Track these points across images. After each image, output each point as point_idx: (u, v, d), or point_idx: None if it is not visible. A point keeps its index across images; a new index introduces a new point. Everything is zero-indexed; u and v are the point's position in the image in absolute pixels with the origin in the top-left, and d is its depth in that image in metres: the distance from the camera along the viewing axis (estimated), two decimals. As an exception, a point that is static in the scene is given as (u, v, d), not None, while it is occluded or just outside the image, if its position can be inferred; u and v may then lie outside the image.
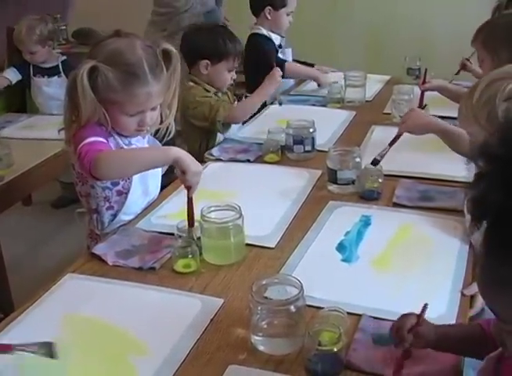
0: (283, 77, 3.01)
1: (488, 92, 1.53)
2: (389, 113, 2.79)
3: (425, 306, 1.24)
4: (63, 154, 1.83)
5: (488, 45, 2.31)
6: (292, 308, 1.29)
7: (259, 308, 1.31)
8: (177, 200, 2.00)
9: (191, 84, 2.64)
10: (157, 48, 1.80)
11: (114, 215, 1.94)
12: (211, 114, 2.53)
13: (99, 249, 1.72)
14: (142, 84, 1.73)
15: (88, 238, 2.02)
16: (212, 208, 1.68)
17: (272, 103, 3.05)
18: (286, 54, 3.52)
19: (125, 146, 1.88)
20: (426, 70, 2.80)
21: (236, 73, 2.74)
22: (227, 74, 2.65)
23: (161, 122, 1.93)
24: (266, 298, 1.34)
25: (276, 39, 3.44)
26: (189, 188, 1.74)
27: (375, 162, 2.03)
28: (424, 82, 2.75)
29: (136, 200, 1.95)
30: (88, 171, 1.66)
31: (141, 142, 1.95)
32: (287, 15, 3.40)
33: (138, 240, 1.78)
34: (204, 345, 1.35)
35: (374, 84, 3.31)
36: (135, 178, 1.88)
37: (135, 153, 1.81)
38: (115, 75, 1.70)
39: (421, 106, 2.64)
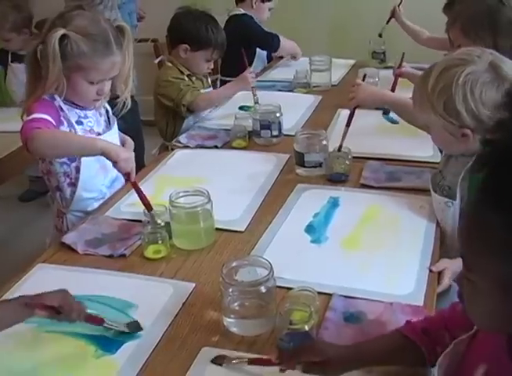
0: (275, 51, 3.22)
1: (443, 80, 1.54)
2: (354, 97, 2.81)
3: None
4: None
5: (470, 31, 2.30)
6: (262, 289, 1.30)
7: (230, 290, 1.32)
8: (145, 188, 1.98)
9: (168, 64, 2.70)
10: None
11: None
12: (178, 97, 2.57)
13: (68, 238, 1.72)
14: (109, 53, 1.81)
15: (56, 217, 2.03)
16: (181, 194, 1.69)
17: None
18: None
19: (82, 119, 1.91)
20: (403, 54, 2.80)
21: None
22: (204, 63, 2.67)
23: (118, 97, 1.99)
24: (237, 280, 1.35)
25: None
26: (127, 174, 1.78)
27: (339, 148, 2.03)
28: (400, 67, 2.76)
29: (95, 176, 1.95)
30: (24, 145, 1.73)
31: (96, 117, 1.96)
32: (269, 9, 3.44)
33: (108, 228, 1.77)
34: (177, 329, 1.35)
35: (339, 68, 3.33)
36: None
37: (67, 138, 1.82)
38: (85, 43, 1.77)
39: (393, 90, 2.65)
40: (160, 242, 1.62)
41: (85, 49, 1.77)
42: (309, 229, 1.73)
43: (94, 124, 1.95)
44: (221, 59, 3.45)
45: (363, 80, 2.24)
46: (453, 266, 1.55)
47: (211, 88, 2.86)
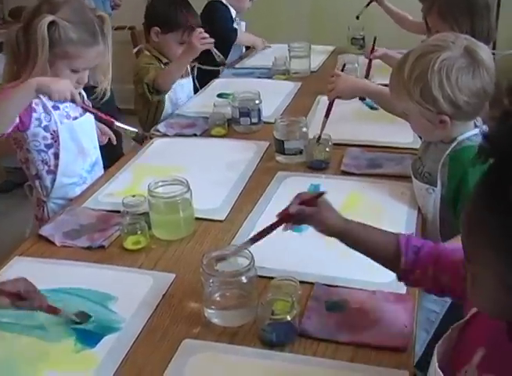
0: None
1: (419, 66, 1.53)
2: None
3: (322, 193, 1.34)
4: (3, 138, 1.80)
5: (447, 15, 2.30)
6: (243, 279, 1.28)
7: (211, 280, 1.30)
8: (123, 178, 1.98)
9: (146, 52, 2.65)
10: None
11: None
12: (142, 76, 2.48)
13: (46, 230, 1.68)
14: (95, 43, 1.81)
15: (36, 207, 2.01)
16: (159, 183, 1.66)
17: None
18: (241, 27, 3.51)
19: (58, 104, 1.88)
20: (375, 38, 2.79)
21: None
22: (176, 47, 2.60)
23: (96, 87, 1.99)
24: (217, 270, 1.33)
25: (232, 11, 3.42)
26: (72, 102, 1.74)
27: (318, 138, 2.01)
28: (373, 51, 2.75)
29: (74, 161, 1.93)
30: None
31: (72, 107, 1.93)
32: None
33: (86, 219, 1.74)
34: (157, 321, 1.33)
35: (319, 55, 3.32)
36: (65, 136, 1.88)
37: (5, 97, 1.70)
38: (73, 31, 1.76)
39: (368, 75, 2.65)
40: (139, 233, 1.60)
41: (74, 37, 1.77)
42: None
43: (70, 110, 1.93)
44: None
45: (342, 70, 2.22)
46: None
47: (190, 77, 2.82)
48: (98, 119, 1.89)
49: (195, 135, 2.32)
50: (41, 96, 1.82)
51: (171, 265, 1.53)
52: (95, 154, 2.05)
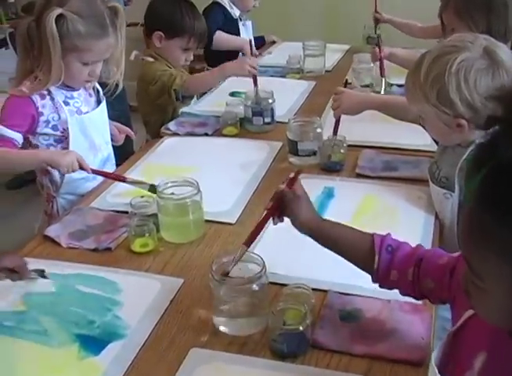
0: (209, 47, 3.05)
1: (436, 68, 1.47)
2: (350, 83, 2.73)
3: (298, 172, 1.38)
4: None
5: (463, 12, 2.25)
6: (254, 286, 1.23)
7: (220, 288, 1.25)
8: (133, 177, 1.92)
9: (150, 59, 2.48)
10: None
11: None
12: (169, 83, 2.35)
13: (52, 231, 1.64)
14: (104, 35, 1.78)
15: (45, 202, 1.97)
16: (169, 184, 1.61)
17: None
18: (247, 27, 3.44)
19: (68, 100, 1.88)
20: (378, 37, 2.73)
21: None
22: (180, 53, 2.48)
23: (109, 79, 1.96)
24: (227, 276, 1.28)
25: (236, 11, 3.35)
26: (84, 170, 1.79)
27: (328, 157, 1.95)
28: (381, 51, 2.69)
29: (84, 156, 1.85)
30: None
31: (85, 97, 1.93)
32: None
33: (93, 219, 1.70)
34: (165, 328, 1.29)
35: (333, 53, 3.25)
36: (75, 131, 1.85)
37: (5, 154, 1.78)
38: (82, 24, 1.73)
39: (383, 75, 2.59)
40: (147, 235, 1.55)
41: (82, 30, 1.74)
42: (301, 220, 1.66)
43: (81, 104, 1.91)
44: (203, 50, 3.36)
45: (345, 86, 2.15)
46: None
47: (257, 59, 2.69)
48: (110, 178, 1.86)
49: (206, 134, 2.27)
50: (52, 90, 1.81)
51: (179, 270, 1.48)
52: (107, 150, 2.01)
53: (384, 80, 2.57)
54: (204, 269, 1.45)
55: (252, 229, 1.34)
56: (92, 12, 1.76)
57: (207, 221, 1.65)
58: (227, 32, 3.29)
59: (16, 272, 1.36)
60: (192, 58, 2.56)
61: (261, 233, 1.34)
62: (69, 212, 1.75)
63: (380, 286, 1.25)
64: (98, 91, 1.99)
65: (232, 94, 2.65)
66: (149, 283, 1.43)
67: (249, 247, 1.28)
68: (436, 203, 1.69)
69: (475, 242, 0.81)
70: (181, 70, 2.57)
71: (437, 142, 1.81)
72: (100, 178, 1.92)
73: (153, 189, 1.72)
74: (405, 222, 1.65)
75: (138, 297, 1.38)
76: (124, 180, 1.81)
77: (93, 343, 1.24)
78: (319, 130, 1.97)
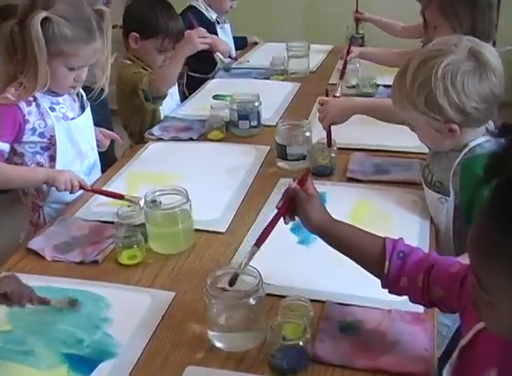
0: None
1: (422, 74, 1.43)
2: (335, 84, 2.69)
3: (307, 171, 1.35)
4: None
5: (448, 11, 2.22)
6: (251, 300, 1.18)
7: (215, 302, 1.19)
8: (116, 186, 1.86)
9: (128, 62, 2.41)
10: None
11: None
12: (138, 83, 2.26)
13: (35, 243, 1.58)
14: (91, 40, 1.72)
15: (31, 212, 1.91)
16: (157, 193, 1.56)
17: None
18: (225, 30, 3.37)
19: (54, 105, 1.80)
20: (350, 39, 2.70)
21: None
22: (156, 54, 2.39)
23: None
24: (222, 289, 1.22)
25: (213, 14, 3.29)
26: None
27: (318, 162, 1.91)
28: (349, 52, 2.66)
29: (71, 163, 1.84)
30: None
31: (70, 103, 1.87)
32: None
33: (78, 230, 1.64)
34: (158, 345, 1.23)
35: (317, 54, 3.20)
36: (62, 138, 1.79)
37: (6, 171, 1.74)
38: (68, 28, 1.66)
39: (342, 77, 2.54)
40: (135, 246, 1.49)
41: (68, 34, 1.67)
42: (295, 228, 1.60)
43: (67, 110, 1.84)
44: None
45: (326, 95, 2.10)
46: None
47: (176, 85, 2.61)
48: (108, 196, 1.78)
49: (191, 139, 2.21)
50: (38, 96, 1.75)
51: (169, 282, 1.42)
52: (93, 156, 1.95)
53: (340, 83, 2.52)
54: (196, 281, 1.41)
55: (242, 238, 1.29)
56: (79, 16, 1.69)
57: (197, 230, 1.60)
58: None
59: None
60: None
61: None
62: (52, 223, 1.69)
63: (390, 292, 1.21)
64: (82, 96, 1.92)
65: (216, 97, 2.59)
66: (139, 297, 1.37)
67: (259, 247, 1.26)
68: (431, 207, 1.65)
69: (483, 254, 0.79)
70: None
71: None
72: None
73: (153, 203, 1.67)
74: (400, 227, 1.60)
75: (129, 312, 1.32)
76: (121, 197, 1.74)
77: (83, 363, 1.18)
78: (308, 134, 1.93)
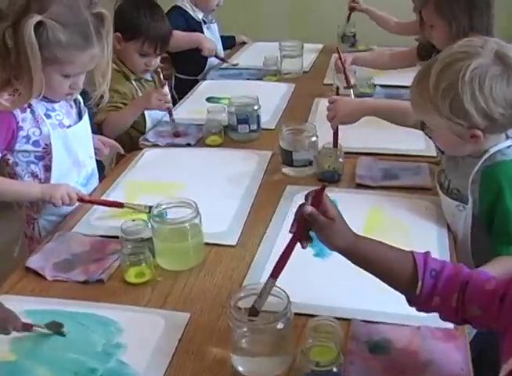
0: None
1: (447, 77, 1.36)
2: (331, 84, 2.62)
3: (323, 187, 1.16)
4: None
5: (445, 9, 2.17)
6: (279, 325, 1.10)
7: (240, 325, 1.11)
8: (114, 198, 1.77)
9: (114, 66, 2.23)
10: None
11: None
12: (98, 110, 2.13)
13: (33, 262, 1.48)
14: (88, 46, 1.61)
15: (25, 224, 1.83)
16: (163, 206, 1.47)
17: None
18: (212, 30, 3.28)
19: (50, 112, 1.72)
20: (337, 48, 2.64)
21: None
22: (137, 58, 2.29)
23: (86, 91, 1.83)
24: (247, 310, 1.14)
25: (199, 13, 3.20)
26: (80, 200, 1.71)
27: (331, 175, 1.84)
28: (341, 60, 2.59)
29: (67, 173, 1.75)
30: None
31: (67, 109, 1.78)
32: None
33: (79, 246, 1.54)
34: (176, 373, 1.15)
35: (308, 53, 3.10)
36: (58, 146, 1.70)
37: (3, 185, 1.68)
38: (63, 33, 1.56)
39: (349, 86, 2.48)
40: (143, 264, 1.40)
41: (63, 40, 1.56)
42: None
43: (63, 117, 1.75)
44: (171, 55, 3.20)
45: (337, 93, 2.03)
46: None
47: (166, 88, 2.42)
48: (107, 206, 1.72)
49: (189, 144, 2.12)
50: (32, 103, 1.66)
51: (182, 302, 1.34)
52: (91, 165, 1.86)
53: (351, 91, 2.45)
54: (211, 300, 1.33)
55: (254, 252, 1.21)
56: (75, 20, 1.58)
57: (205, 243, 1.51)
58: None
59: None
60: (154, 64, 2.34)
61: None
62: (50, 239, 1.59)
63: (418, 310, 1.15)
64: (79, 102, 1.83)
65: (210, 99, 2.51)
66: (152, 319, 1.28)
67: (277, 278, 1.15)
68: (448, 215, 1.59)
69: None
70: (153, 80, 2.41)
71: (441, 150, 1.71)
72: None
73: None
74: (418, 236, 1.54)
75: (142, 337, 1.23)
76: (121, 206, 1.68)
77: (97, 395, 1.10)
78: (314, 138, 1.85)
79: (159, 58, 2.33)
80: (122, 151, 2.03)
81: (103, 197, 1.79)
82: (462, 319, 1.10)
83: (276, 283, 1.15)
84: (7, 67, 1.60)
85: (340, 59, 2.52)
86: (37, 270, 1.45)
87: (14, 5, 1.56)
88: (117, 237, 1.52)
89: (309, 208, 1.13)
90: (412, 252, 1.14)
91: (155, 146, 2.14)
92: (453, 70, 1.35)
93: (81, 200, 1.69)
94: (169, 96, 2.21)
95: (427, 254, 1.14)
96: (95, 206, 1.73)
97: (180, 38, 3.00)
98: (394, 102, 2.00)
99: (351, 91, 2.41)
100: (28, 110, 1.66)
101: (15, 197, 1.72)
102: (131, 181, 1.89)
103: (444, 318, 1.13)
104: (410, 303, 1.14)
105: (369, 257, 1.16)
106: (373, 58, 2.75)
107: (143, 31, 2.25)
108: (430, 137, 1.67)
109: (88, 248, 1.54)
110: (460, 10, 2.16)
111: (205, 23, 3.23)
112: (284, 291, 1.14)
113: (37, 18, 1.52)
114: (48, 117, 1.70)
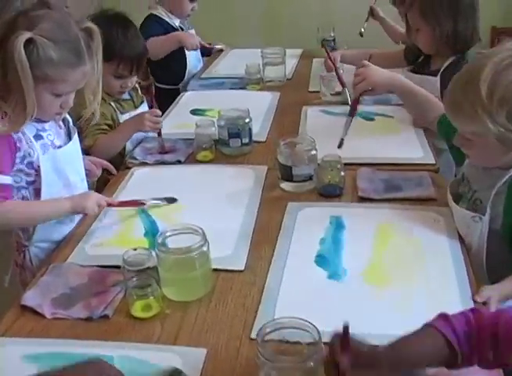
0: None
1: (502, 84, 1.30)
2: (317, 92, 2.56)
3: (345, 328, 1.00)
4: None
5: (429, 14, 2.15)
6: (311, 363, 1.03)
7: (268, 364, 1.04)
8: (108, 223, 1.69)
9: None
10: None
11: None
12: (85, 133, 2.04)
13: (30, 299, 1.38)
14: (80, 64, 1.56)
15: (15, 252, 1.75)
16: (168, 233, 1.38)
17: None
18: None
19: (41, 133, 1.64)
20: (322, 43, 2.59)
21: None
22: (112, 80, 2.15)
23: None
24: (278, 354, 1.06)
25: (175, 20, 3.12)
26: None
27: (341, 143, 1.76)
28: (330, 57, 2.55)
29: (58, 196, 1.66)
30: None
31: (56, 129, 1.70)
32: (191, 1, 3.09)
33: (76, 279, 1.45)
34: (201, 418, 1.07)
35: (288, 59, 3.02)
36: (46, 167, 1.62)
37: (31, 209, 1.63)
38: (54, 50, 1.49)
39: (343, 85, 2.43)
40: (151, 298, 1.32)
41: (54, 57, 1.49)
42: (321, 260, 1.47)
43: (54, 137, 1.67)
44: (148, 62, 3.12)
45: (369, 60, 1.98)
46: (496, 292, 1.34)
47: (145, 106, 2.38)
48: (131, 206, 1.73)
49: (179, 161, 2.03)
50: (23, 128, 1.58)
51: (196, 337, 1.26)
52: (83, 188, 1.77)
53: (346, 90, 2.42)
54: (226, 333, 1.26)
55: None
56: (66, 37, 1.52)
57: (213, 269, 1.43)
58: None
59: None
60: (131, 84, 2.22)
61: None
62: (44, 272, 1.49)
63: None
64: (68, 121, 1.74)
65: (195, 112, 2.42)
66: (166, 358, 1.19)
67: None
68: (461, 226, 1.54)
69: None
70: (131, 99, 2.31)
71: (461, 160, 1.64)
72: (76, 221, 1.71)
73: (172, 201, 1.75)
74: (431, 252, 1.49)
75: (160, 379, 1.15)
76: (143, 205, 1.73)
77: None
78: (313, 152, 1.78)
79: (135, 77, 2.23)
80: (115, 171, 1.94)
81: (97, 220, 1.69)
82: (497, 366, 1.06)
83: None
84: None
85: (330, 58, 2.47)
86: (35, 308, 1.35)
87: None
88: (116, 267, 1.43)
89: (344, 360, 0.98)
90: (438, 329, 1.04)
91: (143, 163, 2.05)
92: (507, 78, 1.31)
93: (109, 205, 1.68)
94: (161, 117, 2.14)
95: (445, 319, 1.05)
96: (88, 232, 1.64)
97: (159, 44, 2.95)
98: (423, 90, 1.96)
99: (346, 90, 2.37)
100: (17, 135, 1.57)
101: (46, 219, 1.64)
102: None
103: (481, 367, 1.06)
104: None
105: (404, 360, 1.04)
106: (359, 56, 2.70)
107: (117, 53, 2.10)
108: (450, 145, 1.62)
109: (86, 280, 1.44)
110: (444, 15, 2.15)
111: (182, 29, 3.16)
112: (313, 325, 1.07)
113: (26, 35, 1.44)
114: (40, 137, 1.62)
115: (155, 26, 3.05)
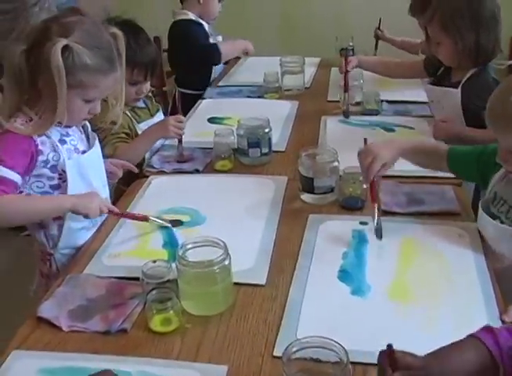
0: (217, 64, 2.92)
1: None
2: (336, 101, 2.53)
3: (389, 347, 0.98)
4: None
5: (450, 27, 2.11)
6: (340, 384, 0.99)
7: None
8: (125, 233, 1.66)
9: None
10: None
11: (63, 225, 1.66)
12: (105, 142, 2.00)
13: (46, 310, 1.35)
14: (112, 70, 1.57)
15: (41, 262, 1.72)
16: (189, 245, 1.35)
17: None
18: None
19: (64, 138, 1.62)
20: (340, 52, 2.57)
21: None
22: (128, 87, 2.04)
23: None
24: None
25: (205, 26, 3.11)
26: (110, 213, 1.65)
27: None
28: (347, 62, 2.52)
29: None
30: None
31: (78, 134, 1.69)
32: (219, 1, 3.08)
33: (94, 290, 1.42)
34: None
35: (306, 68, 3.00)
36: (72, 172, 1.60)
37: (27, 203, 1.57)
38: (90, 58, 1.50)
39: (346, 89, 2.40)
40: (171, 312, 1.29)
41: (89, 64, 1.50)
42: (344, 276, 1.43)
43: (77, 142, 1.66)
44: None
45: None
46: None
47: (161, 115, 2.34)
48: (132, 219, 1.69)
49: (197, 170, 2.01)
50: (48, 132, 1.57)
51: (217, 353, 1.22)
52: (105, 193, 1.75)
53: (346, 95, 2.39)
54: (248, 350, 1.23)
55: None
56: (99, 44, 1.52)
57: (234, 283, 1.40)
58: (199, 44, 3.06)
59: None
60: (145, 90, 2.18)
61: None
62: (61, 283, 1.47)
63: None
64: (87, 127, 1.73)
65: (212, 120, 2.40)
66: (187, 375, 1.17)
67: None
68: (497, 241, 1.49)
69: None
70: (146, 107, 2.29)
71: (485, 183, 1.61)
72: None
73: (177, 224, 1.67)
74: (456, 268, 1.45)
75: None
76: (146, 219, 1.66)
77: None
78: (335, 164, 1.74)
79: (149, 83, 2.20)
80: (136, 170, 1.93)
81: (114, 231, 1.67)
82: None
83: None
84: (19, 92, 1.52)
85: (346, 61, 2.45)
86: (51, 320, 1.33)
87: (27, 28, 1.45)
88: (135, 279, 1.40)
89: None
90: (479, 338, 1.01)
91: (160, 172, 2.02)
92: None
93: (110, 212, 1.63)
94: (185, 123, 2.12)
95: (490, 332, 1.02)
96: (105, 243, 1.61)
97: (229, 52, 3.08)
98: (424, 142, 1.90)
99: (347, 95, 2.34)
100: (44, 134, 1.56)
101: (44, 215, 1.61)
102: (142, 213, 1.76)
103: None
104: None
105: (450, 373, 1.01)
106: (378, 63, 2.68)
107: (130, 59, 2.07)
108: (466, 177, 1.59)
109: (103, 292, 1.42)
110: (466, 28, 2.11)
111: (211, 35, 3.15)
112: (341, 346, 1.03)
113: (63, 42, 1.45)
114: (64, 142, 1.61)
115: (199, 29, 3.08)
